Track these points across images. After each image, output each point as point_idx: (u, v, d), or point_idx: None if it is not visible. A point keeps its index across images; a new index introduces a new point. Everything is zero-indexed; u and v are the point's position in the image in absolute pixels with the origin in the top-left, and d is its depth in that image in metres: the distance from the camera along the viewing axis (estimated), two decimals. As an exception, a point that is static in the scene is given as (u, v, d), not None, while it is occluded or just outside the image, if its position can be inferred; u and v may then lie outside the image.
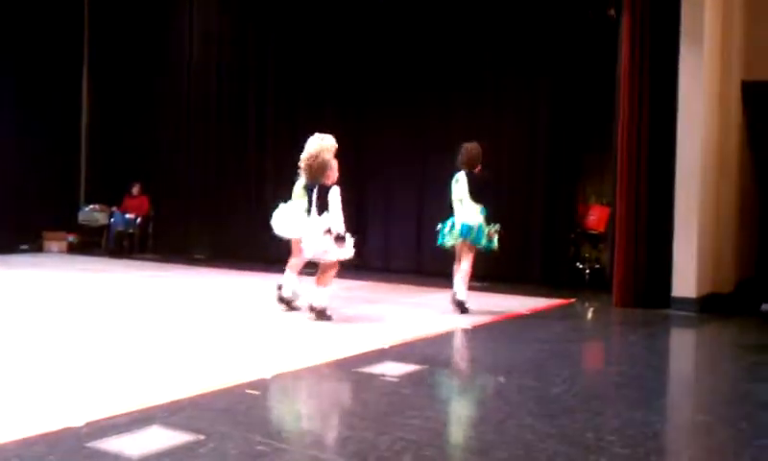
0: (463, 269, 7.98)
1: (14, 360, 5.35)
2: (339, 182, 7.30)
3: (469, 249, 7.99)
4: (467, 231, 7.92)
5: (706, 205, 8.56)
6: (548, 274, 10.52)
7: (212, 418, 4.04)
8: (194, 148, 14.00)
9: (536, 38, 10.66)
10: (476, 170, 8.10)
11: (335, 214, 7.14)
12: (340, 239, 7.13)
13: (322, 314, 7.24)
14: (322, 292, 7.31)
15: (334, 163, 7.33)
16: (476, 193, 7.98)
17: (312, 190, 7.39)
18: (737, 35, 9.20)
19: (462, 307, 7.88)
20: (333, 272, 7.36)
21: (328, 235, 7.13)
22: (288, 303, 7.90)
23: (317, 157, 7.37)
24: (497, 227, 7.98)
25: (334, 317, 7.28)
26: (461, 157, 8.15)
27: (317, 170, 7.32)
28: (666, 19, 8.52)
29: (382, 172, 11.56)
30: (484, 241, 7.94)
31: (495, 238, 7.96)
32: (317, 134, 7.71)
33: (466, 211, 7.97)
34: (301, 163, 7.56)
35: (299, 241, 7.57)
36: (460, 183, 8.06)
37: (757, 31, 9.30)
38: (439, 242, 8.16)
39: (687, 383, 5.92)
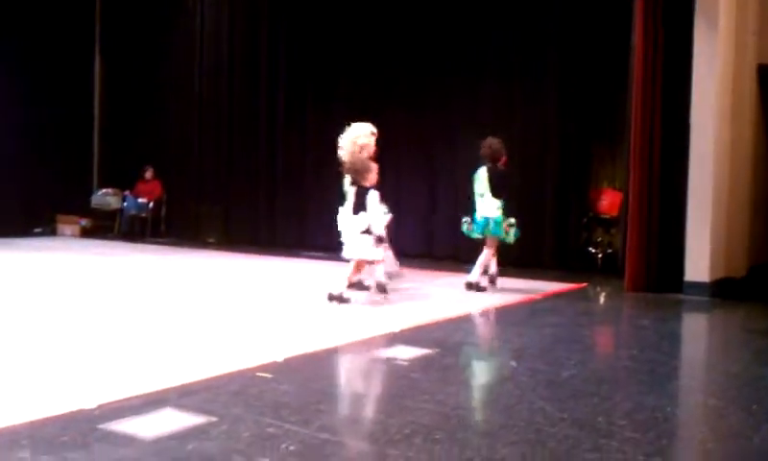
0: (482, 255, 8.31)
1: (28, 343, 5.39)
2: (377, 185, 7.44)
3: (491, 239, 8.31)
4: (484, 225, 8.24)
5: (719, 189, 8.51)
6: (560, 258, 10.51)
7: (224, 400, 4.07)
8: (206, 132, 14.03)
9: (546, 23, 10.60)
10: (500, 163, 8.36)
11: (374, 216, 7.31)
12: (379, 240, 7.34)
13: (338, 298, 7.31)
14: (343, 283, 7.41)
15: (374, 166, 7.46)
16: (498, 187, 8.27)
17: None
18: (752, 18, 9.12)
19: (476, 288, 8.19)
20: (363, 268, 7.60)
21: (366, 236, 7.29)
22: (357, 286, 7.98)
23: (355, 158, 7.43)
24: (512, 221, 8.24)
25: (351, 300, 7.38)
26: (483, 151, 8.40)
27: (356, 172, 7.44)
28: (680, 2, 8.45)
29: (392, 159, 11.54)
30: (503, 234, 8.25)
31: (512, 232, 8.25)
32: (354, 127, 7.65)
33: (486, 205, 8.26)
34: (343, 162, 7.58)
35: None
36: (481, 178, 8.34)
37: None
38: (464, 232, 8.46)
39: (699, 367, 5.91)
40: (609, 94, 10.25)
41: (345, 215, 7.54)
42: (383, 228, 7.41)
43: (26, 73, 14.00)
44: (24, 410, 3.77)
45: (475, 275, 8.27)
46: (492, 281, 8.52)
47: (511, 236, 8.29)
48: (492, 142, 8.41)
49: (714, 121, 8.38)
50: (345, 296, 7.31)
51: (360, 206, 7.33)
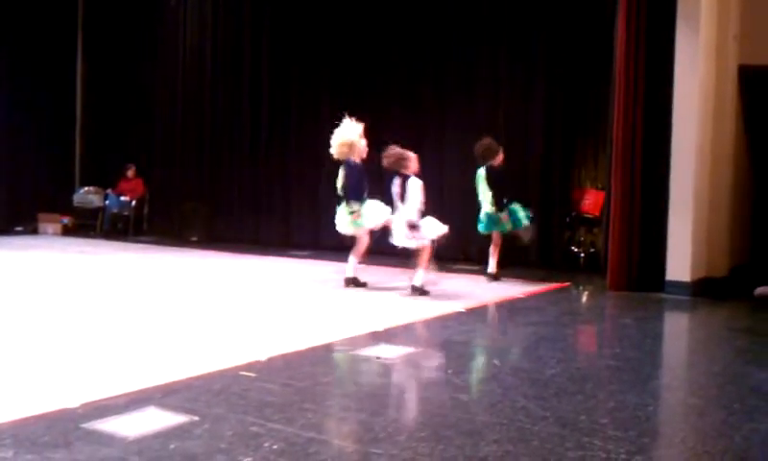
0: (493, 247, 9.08)
1: (10, 342, 5.35)
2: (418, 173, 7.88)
3: (495, 234, 9.04)
4: (494, 223, 8.92)
5: (700, 189, 8.57)
6: (543, 258, 10.56)
7: (208, 399, 4.06)
8: (188, 130, 14.01)
9: (531, 21, 10.64)
10: (495, 162, 8.89)
11: (410, 203, 7.69)
12: (413, 227, 7.66)
13: (419, 290, 7.76)
14: (419, 273, 7.81)
15: (413, 155, 7.86)
16: (494, 185, 8.81)
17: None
18: (734, 18, 9.18)
19: (491, 278, 8.98)
20: (426, 254, 7.83)
21: (406, 223, 7.71)
22: (354, 283, 8.32)
23: (392, 150, 7.90)
24: (504, 213, 8.84)
25: (430, 292, 7.81)
26: (476, 153, 8.95)
27: (396, 162, 7.84)
28: (662, 3, 8.50)
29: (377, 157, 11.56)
30: (503, 227, 8.92)
31: (508, 221, 8.86)
32: (345, 125, 8.17)
33: (484, 203, 8.92)
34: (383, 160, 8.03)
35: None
36: (481, 177, 8.95)
37: (754, 15, 9.29)
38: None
39: (680, 366, 5.95)
40: (592, 95, 10.31)
41: (341, 213, 8.08)
42: (416, 214, 7.71)
43: (8, 72, 13.91)
44: (7, 409, 3.74)
45: (491, 266, 9.03)
46: (496, 277, 9.05)
47: (505, 226, 8.88)
48: (483, 143, 8.92)
49: (696, 122, 8.44)
50: (426, 288, 7.76)
51: (404, 195, 7.75)
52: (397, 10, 11.66)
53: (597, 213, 10.36)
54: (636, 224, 8.68)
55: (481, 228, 8.99)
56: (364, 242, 8.31)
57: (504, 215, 8.82)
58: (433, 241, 7.76)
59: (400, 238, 7.79)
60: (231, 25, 13.53)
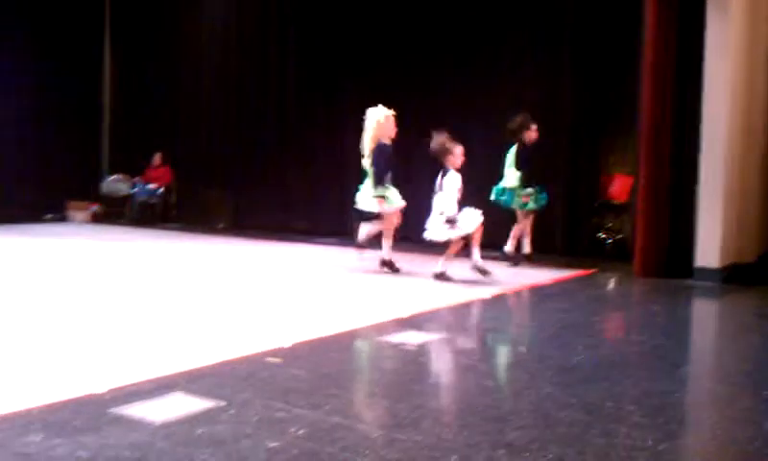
0: (515, 228, 9.17)
1: (40, 328, 5.42)
2: (460, 168, 7.87)
3: (522, 213, 9.11)
4: (499, 194, 9.05)
5: (730, 174, 8.47)
6: (571, 244, 10.48)
7: (234, 385, 4.08)
8: (215, 118, 14.04)
9: (558, 3, 10.54)
10: (528, 138, 9.02)
11: (447, 197, 7.71)
12: (450, 221, 7.69)
13: (441, 276, 7.83)
14: (443, 262, 7.89)
15: (457, 149, 7.85)
16: (519, 161, 8.95)
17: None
18: (765, 3, 9.04)
19: (509, 259, 9.10)
20: (456, 248, 7.89)
21: (441, 217, 7.73)
22: (390, 266, 8.47)
23: (437, 141, 7.91)
24: (529, 191, 8.97)
25: (453, 279, 7.85)
26: (509, 128, 9.09)
27: (438, 153, 7.89)
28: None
29: (403, 141, 11.53)
30: (519, 203, 9.00)
31: (530, 200, 9.01)
32: (372, 110, 8.39)
33: (508, 177, 9.05)
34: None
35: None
36: (511, 152, 9.08)
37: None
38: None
39: (708, 353, 5.90)
40: (620, 79, 10.18)
41: (363, 196, 8.29)
42: (455, 209, 7.72)
43: (35, 59, 14.02)
44: (37, 394, 3.79)
45: (508, 246, 9.17)
46: (512, 258, 9.14)
47: (529, 205, 9.01)
48: (516, 118, 9.06)
49: (726, 108, 8.32)
50: (447, 274, 7.83)
51: (441, 187, 7.80)
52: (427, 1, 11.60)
53: (625, 199, 10.26)
54: (664, 210, 8.59)
55: (494, 195, 9.08)
56: (392, 223, 8.45)
57: (525, 195, 8.96)
58: (479, 230, 7.80)
59: (434, 231, 7.80)
60: (257, 12, 13.53)
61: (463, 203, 7.83)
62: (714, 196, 8.31)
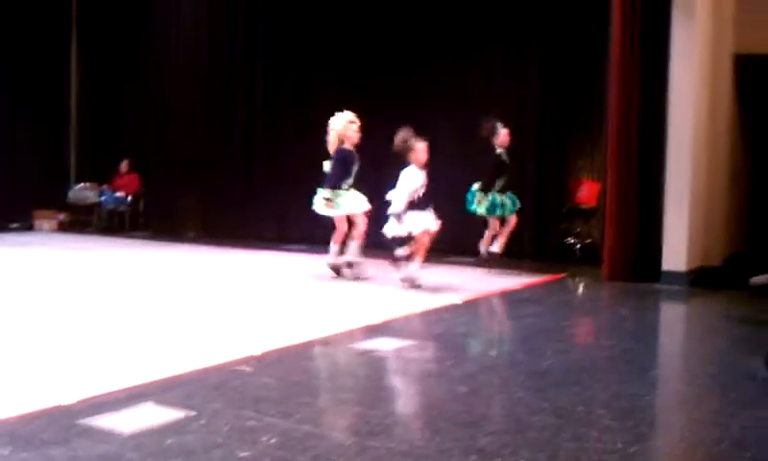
0: (486, 233, 9.17)
1: (6, 338, 5.34)
2: (425, 165, 7.81)
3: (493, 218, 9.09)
4: (469, 201, 9.03)
5: (697, 178, 8.57)
6: (540, 249, 10.55)
7: (204, 394, 4.06)
8: (184, 126, 13.92)
9: (525, 9, 10.61)
10: (497, 142, 8.98)
11: (397, 191, 7.61)
12: (395, 216, 7.56)
13: (410, 282, 7.76)
14: (411, 266, 7.80)
15: (420, 145, 7.76)
16: (488, 169, 8.98)
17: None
18: (729, 7, 9.17)
19: (483, 264, 9.15)
20: (417, 247, 7.75)
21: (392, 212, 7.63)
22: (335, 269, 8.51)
23: (401, 139, 7.84)
24: (484, 195, 8.92)
25: (422, 285, 7.77)
26: (481, 134, 9.02)
27: (401, 151, 7.81)
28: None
29: (372, 145, 11.55)
30: (474, 207, 8.99)
31: (482, 204, 8.91)
32: (336, 116, 8.42)
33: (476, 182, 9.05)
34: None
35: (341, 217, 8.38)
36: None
37: (750, 3, 9.27)
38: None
39: (677, 356, 5.96)
40: (587, 84, 10.27)
41: (319, 199, 8.27)
42: (402, 205, 7.58)
43: (0, 65, 13.84)
44: (4, 407, 3.74)
45: (482, 249, 9.15)
46: (485, 261, 9.18)
47: (478, 208, 8.94)
48: (486, 124, 9.00)
49: (691, 111, 8.42)
50: (414, 277, 7.77)
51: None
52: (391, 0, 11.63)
53: (593, 204, 10.35)
54: (631, 214, 8.68)
55: (467, 204, 9.07)
56: (341, 228, 8.45)
57: (481, 197, 8.91)
58: (426, 235, 7.67)
59: (388, 227, 7.69)
60: (226, 17, 13.47)
61: (425, 204, 7.75)
62: (681, 200, 8.40)
